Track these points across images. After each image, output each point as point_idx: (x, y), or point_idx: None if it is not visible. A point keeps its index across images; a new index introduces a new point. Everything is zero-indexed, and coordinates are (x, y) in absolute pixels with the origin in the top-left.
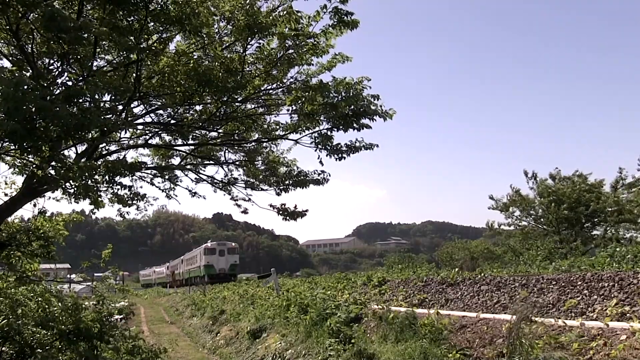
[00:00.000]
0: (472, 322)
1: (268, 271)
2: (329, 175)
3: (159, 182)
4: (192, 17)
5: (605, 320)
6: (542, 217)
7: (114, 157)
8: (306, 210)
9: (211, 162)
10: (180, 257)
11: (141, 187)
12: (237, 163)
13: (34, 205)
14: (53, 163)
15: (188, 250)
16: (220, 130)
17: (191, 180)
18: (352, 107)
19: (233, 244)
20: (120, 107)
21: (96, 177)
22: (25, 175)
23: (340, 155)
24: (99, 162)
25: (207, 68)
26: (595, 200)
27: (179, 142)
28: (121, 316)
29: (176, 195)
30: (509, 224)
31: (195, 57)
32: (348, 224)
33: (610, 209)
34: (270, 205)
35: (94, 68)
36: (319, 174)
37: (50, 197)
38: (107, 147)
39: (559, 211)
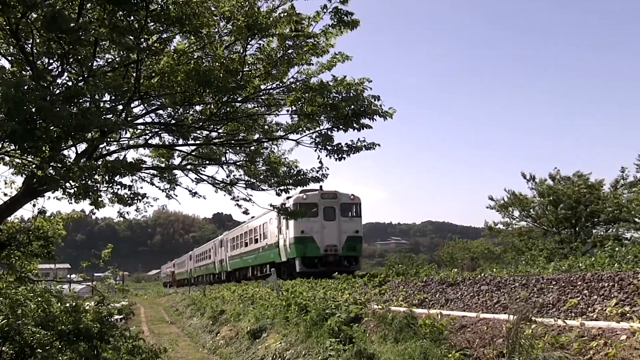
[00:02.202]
0: (472, 322)
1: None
2: (328, 170)
3: (158, 182)
4: (192, 17)
5: (605, 320)
6: (541, 217)
7: (114, 157)
8: (305, 212)
9: (212, 162)
10: (217, 238)
11: (141, 187)
12: (238, 163)
13: (33, 205)
14: (53, 163)
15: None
16: (220, 131)
17: (191, 180)
18: (352, 107)
19: (351, 195)
20: (120, 107)
21: (96, 177)
22: (25, 175)
23: (340, 155)
24: (99, 162)
25: (207, 68)
26: (594, 201)
27: (180, 142)
28: (121, 316)
29: (176, 195)
30: (507, 223)
31: (195, 57)
32: None
33: (609, 209)
34: (271, 205)
35: (94, 68)
36: (317, 171)
37: (50, 197)
38: (107, 147)
39: (557, 211)
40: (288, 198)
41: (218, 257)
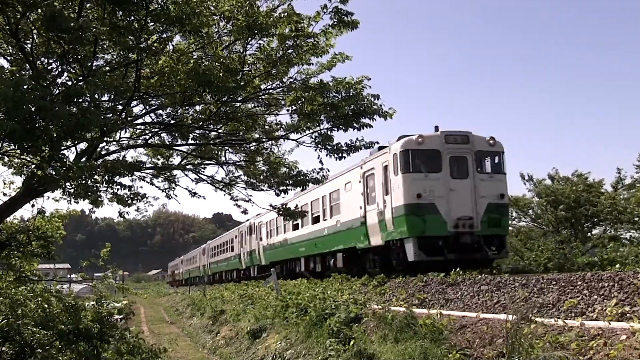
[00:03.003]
0: (472, 322)
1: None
2: (328, 171)
3: (158, 182)
4: (192, 17)
5: (608, 319)
6: (539, 217)
7: (113, 157)
8: (305, 211)
9: (211, 162)
10: (243, 225)
11: (141, 187)
12: (237, 163)
13: (32, 205)
14: (53, 163)
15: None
16: (220, 130)
17: (191, 180)
18: (352, 106)
19: (490, 138)
20: (120, 107)
21: (96, 177)
22: (24, 175)
23: (340, 155)
24: (99, 162)
25: (207, 68)
26: (592, 201)
27: (179, 141)
28: (121, 316)
29: (176, 195)
30: None
31: (195, 57)
32: None
33: (608, 209)
34: (271, 205)
35: (94, 68)
36: (317, 172)
37: (49, 197)
38: (106, 147)
39: (556, 211)
40: (381, 148)
41: (245, 248)
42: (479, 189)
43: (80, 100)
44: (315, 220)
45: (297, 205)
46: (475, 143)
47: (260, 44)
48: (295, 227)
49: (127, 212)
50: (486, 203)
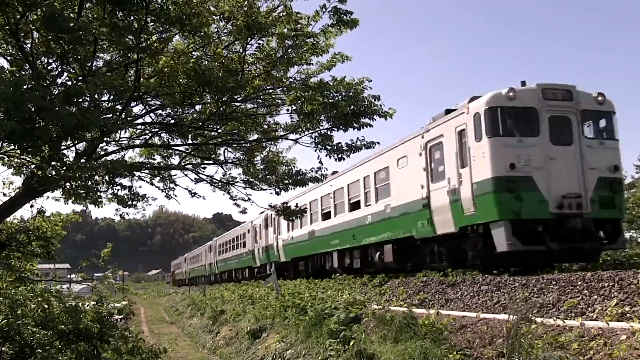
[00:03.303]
0: (472, 322)
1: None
2: (327, 170)
3: (158, 182)
4: (191, 17)
5: (605, 319)
6: None
7: (113, 157)
8: (305, 210)
9: (211, 162)
10: (257, 219)
11: (140, 187)
12: (236, 162)
13: (31, 205)
14: (53, 163)
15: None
16: (219, 130)
17: (191, 180)
18: (352, 106)
19: (598, 95)
20: (120, 107)
21: (96, 177)
22: (24, 176)
23: (340, 155)
24: (99, 162)
25: (206, 68)
26: None
27: (178, 142)
28: (121, 316)
29: (175, 195)
30: None
31: (195, 57)
32: None
33: None
34: (270, 205)
35: (94, 68)
36: (316, 171)
37: (49, 197)
38: (105, 148)
39: None
40: (449, 111)
41: (260, 244)
42: (587, 158)
43: (80, 100)
44: (354, 206)
45: (337, 189)
46: (580, 100)
47: (259, 43)
48: (326, 217)
49: (126, 213)
50: (596, 177)
